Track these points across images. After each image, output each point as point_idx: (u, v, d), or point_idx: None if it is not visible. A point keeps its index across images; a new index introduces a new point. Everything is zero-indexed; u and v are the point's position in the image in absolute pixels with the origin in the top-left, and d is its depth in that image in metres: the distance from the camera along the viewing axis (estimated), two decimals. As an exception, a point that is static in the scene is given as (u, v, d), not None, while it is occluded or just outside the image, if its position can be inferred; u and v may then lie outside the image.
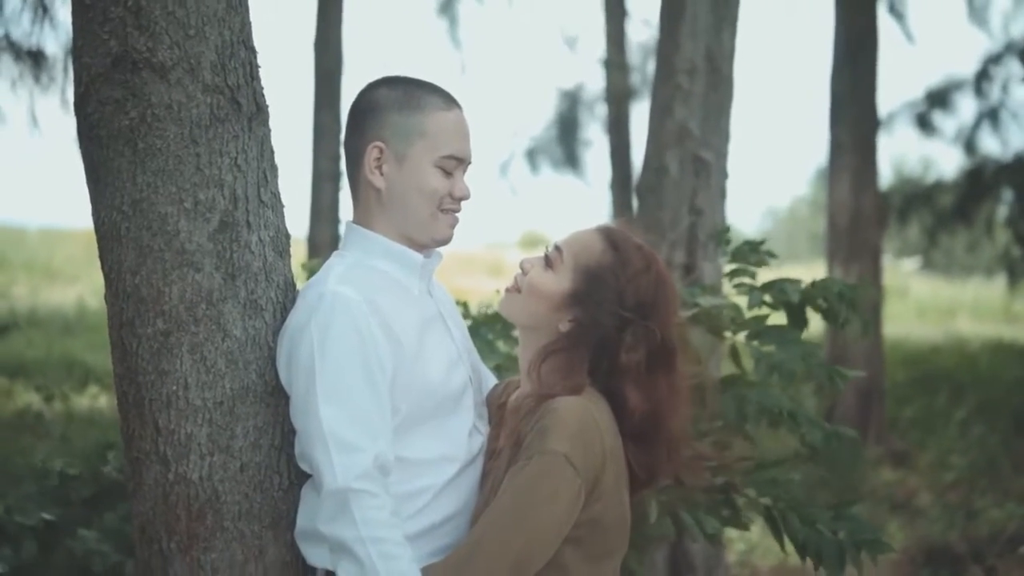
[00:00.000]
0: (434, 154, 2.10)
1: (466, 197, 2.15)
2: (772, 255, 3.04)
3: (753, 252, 3.03)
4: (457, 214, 2.16)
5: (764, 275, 3.07)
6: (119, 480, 3.03)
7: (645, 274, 2.10)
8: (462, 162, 2.14)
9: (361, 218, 2.16)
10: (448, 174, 2.12)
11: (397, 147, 2.10)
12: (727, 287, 3.15)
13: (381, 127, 2.10)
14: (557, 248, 2.15)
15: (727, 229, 3.29)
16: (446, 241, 2.17)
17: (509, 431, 2.11)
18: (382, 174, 2.11)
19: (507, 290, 2.21)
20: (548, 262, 2.14)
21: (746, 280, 3.04)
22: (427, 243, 2.15)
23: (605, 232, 2.15)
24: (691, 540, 3.33)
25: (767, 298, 2.97)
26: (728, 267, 3.09)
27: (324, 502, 1.92)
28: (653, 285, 2.10)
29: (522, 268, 2.18)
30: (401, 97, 2.11)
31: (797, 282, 2.97)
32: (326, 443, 1.92)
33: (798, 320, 2.95)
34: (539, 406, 2.03)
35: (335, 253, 2.19)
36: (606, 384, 2.08)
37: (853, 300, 2.91)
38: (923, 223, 10.99)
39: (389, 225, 2.13)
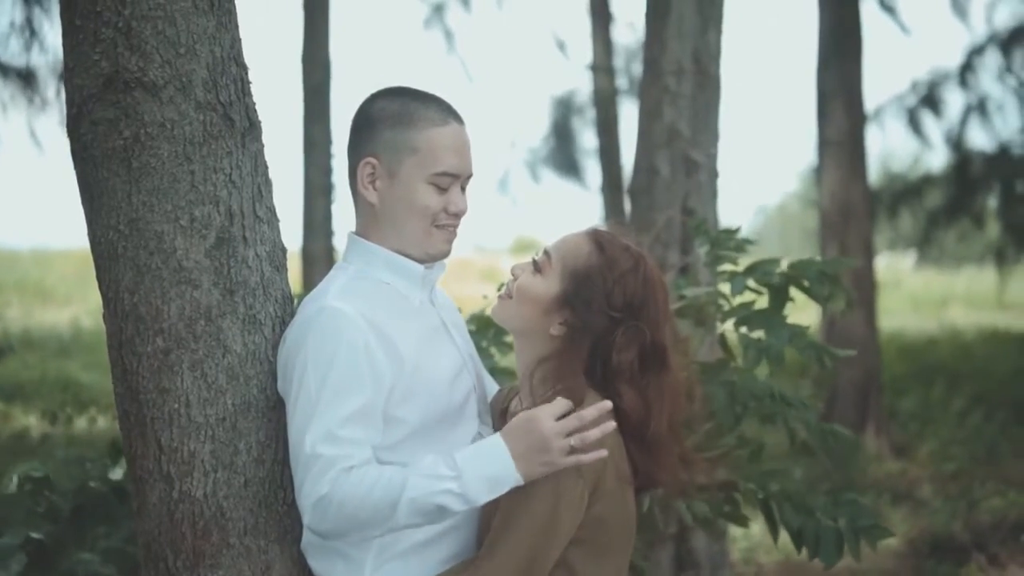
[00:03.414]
0: (425, 171, 2.07)
1: (462, 213, 2.13)
2: (749, 242, 3.05)
3: (730, 239, 3.03)
4: (454, 229, 2.14)
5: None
6: (103, 491, 3.01)
7: (632, 274, 2.10)
8: (457, 178, 2.11)
9: (362, 230, 2.16)
10: (442, 190, 2.09)
11: (389, 163, 2.08)
12: (710, 277, 3.14)
13: (374, 143, 2.09)
14: (546, 253, 2.16)
15: (703, 220, 3.30)
16: (442, 256, 2.16)
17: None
18: (375, 189, 2.11)
19: (500, 296, 2.22)
20: (537, 267, 2.15)
21: (728, 267, 3.04)
22: (423, 258, 2.13)
23: (593, 235, 2.16)
24: (696, 533, 3.33)
25: (750, 283, 2.95)
26: (705, 252, 3.08)
27: (305, 517, 1.94)
28: (641, 285, 2.10)
29: (513, 274, 2.19)
30: (396, 111, 2.09)
31: (776, 261, 2.96)
32: (307, 462, 1.93)
33: (780, 300, 2.92)
34: None
35: (337, 264, 2.19)
36: (603, 385, 2.08)
37: (834, 276, 2.91)
38: (915, 220, 11.02)
39: (385, 239, 2.13)
